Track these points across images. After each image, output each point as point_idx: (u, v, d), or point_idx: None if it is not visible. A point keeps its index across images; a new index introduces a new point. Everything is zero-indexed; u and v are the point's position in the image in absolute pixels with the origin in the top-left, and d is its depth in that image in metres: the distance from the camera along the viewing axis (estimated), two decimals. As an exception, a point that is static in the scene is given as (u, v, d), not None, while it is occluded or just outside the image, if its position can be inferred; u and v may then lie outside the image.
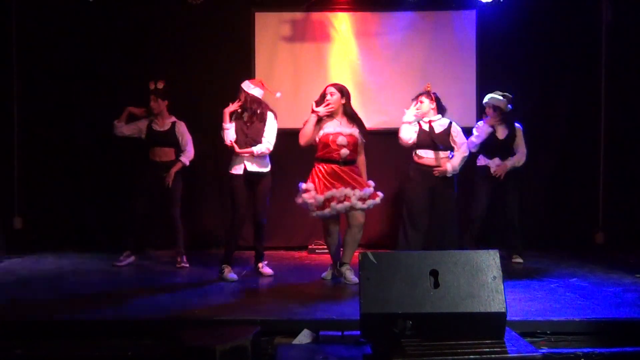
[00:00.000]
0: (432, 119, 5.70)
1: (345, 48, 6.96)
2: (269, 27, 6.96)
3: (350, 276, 5.14)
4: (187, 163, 5.99)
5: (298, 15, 6.94)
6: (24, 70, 6.85)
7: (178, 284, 5.25)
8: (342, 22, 6.96)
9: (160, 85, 5.93)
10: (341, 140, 5.17)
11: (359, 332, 3.45)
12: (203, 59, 6.91)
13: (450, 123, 5.72)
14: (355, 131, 5.25)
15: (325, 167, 5.19)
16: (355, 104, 6.67)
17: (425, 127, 5.69)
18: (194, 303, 4.53)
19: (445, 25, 6.93)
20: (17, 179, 6.87)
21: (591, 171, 6.89)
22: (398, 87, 6.86)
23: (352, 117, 5.29)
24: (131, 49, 6.83)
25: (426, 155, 5.66)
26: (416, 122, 5.68)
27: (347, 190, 5.08)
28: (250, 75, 6.88)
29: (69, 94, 6.83)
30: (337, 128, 5.22)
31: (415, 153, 5.71)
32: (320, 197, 5.08)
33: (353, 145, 5.22)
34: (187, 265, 5.91)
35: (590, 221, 6.89)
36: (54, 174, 6.88)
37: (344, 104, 5.29)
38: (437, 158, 5.63)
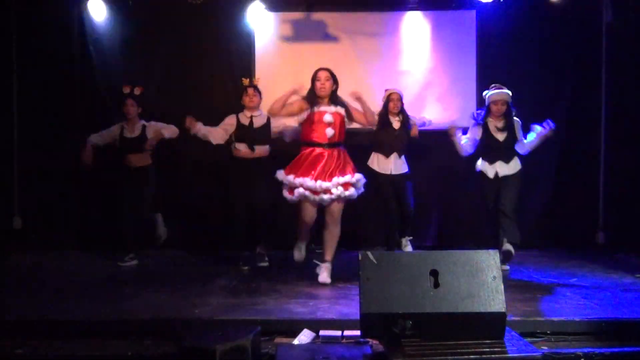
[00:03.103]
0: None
1: (345, 48, 6.95)
2: (269, 27, 6.96)
3: (322, 275, 5.19)
4: (167, 135, 6.04)
5: (298, 15, 6.93)
6: (24, 71, 6.85)
7: (178, 284, 5.25)
8: (342, 22, 6.95)
9: (138, 92, 6.02)
10: (327, 118, 5.13)
11: (359, 332, 3.46)
12: (203, 59, 6.91)
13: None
14: (340, 109, 5.21)
15: (308, 150, 5.18)
16: (354, 104, 6.72)
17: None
18: (194, 303, 4.53)
19: (445, 25, 6.93)
20: (17, 179, 6.87)
21: (591, 171, 6.88)
22: (398, 87, 6.83)
23: (339, 103, 5.23)
24: (131, 48, 6.83)
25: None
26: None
27: (315, 183, 5.03)
28: (250, 75, 6.88)
29: (69, 93, 6.83)
30: (322, 107, 5.17)
31: None
32: (290, 178, 5.11)
33: (340, 124, 5.18)
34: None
35: (590, 221, 6.88)
36: (54, 174, 6.87)
37: (333, 90, 5.25)
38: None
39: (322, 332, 3.91)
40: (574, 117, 6.87)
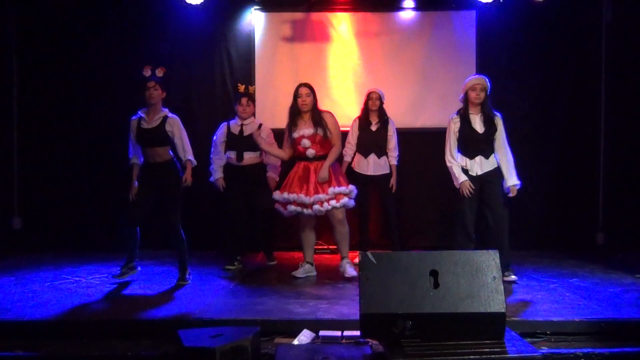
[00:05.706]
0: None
1: (345, 48, 6.95)
2: (269, 27, 6.96)
3: (349, 269, 5.37)
4: (195, 162, 5.35)
5: (298, 15, 6.93)
6: (24, 70, 6.85)
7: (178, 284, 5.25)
8: (342, 22, 6.95)
9: (160, 73, 5.29)
10: (304, 143, 5.34)
11: (359, 333, 3.46)
12: (203, 59, 6.91)
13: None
14: (318, 130, 5.33)
15: (298, 165, 5.44)
16: (355, 104, 6.73)
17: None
18: (194, 303, 4.53)
19: (445, 25, 6.92)
20: (17, 179, 6.87)
21: (591, 171, 6.88)
22: (398, 87, 6.85)
23: (318, 117, 5.37)
24: (131, 49, 6.82)
25: None
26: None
27: (303, 197, 5.24)
28: (250, 75, 6.89)
29: (69, 93, 6.83)
30: (301, 131, 5.37)
31: None
32: (281, 196, 5.36)
33: (319, 144, 5.36)
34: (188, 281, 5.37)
35: (590, 221, 6.88)
36: (53, 174, 6.87)
37: (314, 105, 5.43)
38: None
39: (322, 333, 3.92)
40: (573, 116, 6.86)
